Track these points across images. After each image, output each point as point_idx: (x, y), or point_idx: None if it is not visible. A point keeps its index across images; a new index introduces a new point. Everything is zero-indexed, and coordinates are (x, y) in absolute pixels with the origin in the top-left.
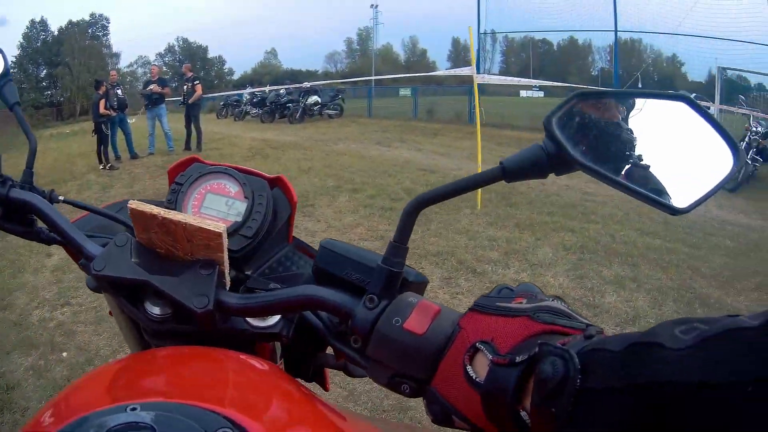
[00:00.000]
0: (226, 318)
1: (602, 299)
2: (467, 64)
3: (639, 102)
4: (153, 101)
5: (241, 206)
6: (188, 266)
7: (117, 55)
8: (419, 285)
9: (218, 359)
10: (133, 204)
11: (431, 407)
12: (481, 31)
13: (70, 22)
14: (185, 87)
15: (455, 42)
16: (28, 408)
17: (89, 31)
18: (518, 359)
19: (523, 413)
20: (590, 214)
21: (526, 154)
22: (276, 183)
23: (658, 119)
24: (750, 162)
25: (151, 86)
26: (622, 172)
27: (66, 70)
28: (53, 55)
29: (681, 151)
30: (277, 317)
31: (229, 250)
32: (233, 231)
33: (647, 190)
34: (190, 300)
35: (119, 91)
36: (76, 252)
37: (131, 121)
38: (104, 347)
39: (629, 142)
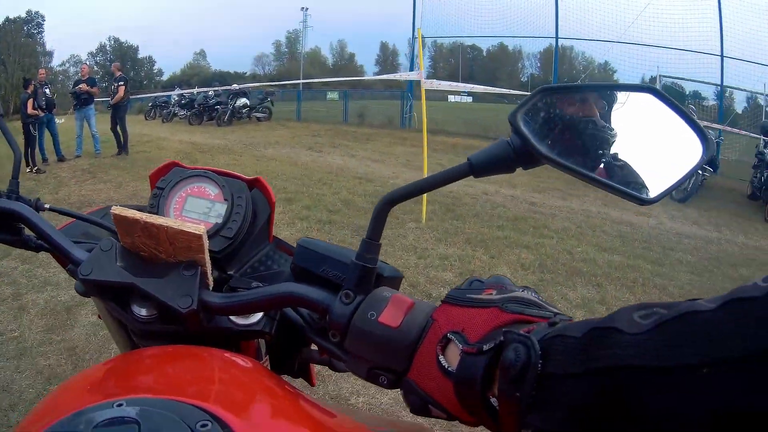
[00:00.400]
0: (210, 317)
1: None
2: (395, 68)
3: (606, 95)
4: (82, 101)
5: (221, 208)
6: (172, 268)
7: (50, 54)
8: (394, 280)
9: (202, 357)
10: (117, 209)
11: (409, 397)
12: (415, 35)
13: (7, 19)
14: (113, 87)
15: (383, 46)
16: None
17: (24, 28)
18: (485, 347)
19: (492, 399)
20: (542, 227)
21: (493, 150)
22: (254, 184)
23: (625, 111)
24: (700, 172)
25: (80, 85)
26: (590, 165)
27: (2, 67)
28: None
29: (649, 142)
30: (259, 315)
31: (211, 251)
32: (214, 232)
33: (615, 181)
34: (174, 300)
35: (47, 91)
36: (63, 258)
37: (60, 121)
38: (27, 388)
39: (596, 135)
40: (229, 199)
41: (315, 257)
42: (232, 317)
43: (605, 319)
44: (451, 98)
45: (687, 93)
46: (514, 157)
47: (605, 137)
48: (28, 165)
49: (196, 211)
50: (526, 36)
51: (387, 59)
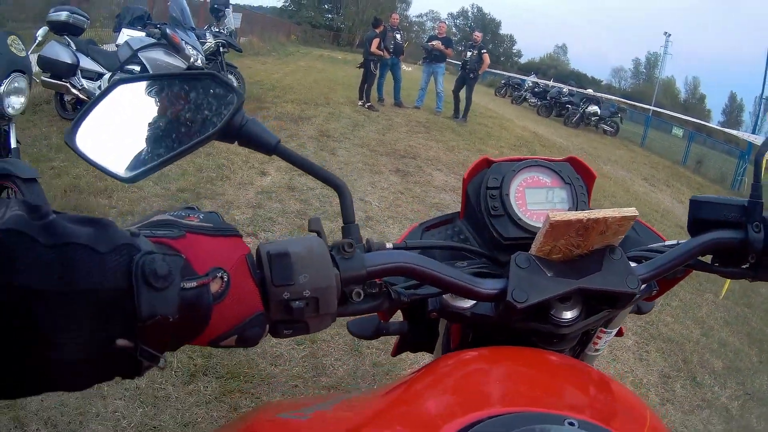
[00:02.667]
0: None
1: None
2: (739, 123)
3: None
4: (432, 57)
5: (562, 192)
6: (596, 259)
7: (407, 2)
8: None
9: (588, 372)
10: (557, 216)
11: None
12: (765, 95)
13: None
14: (469, 54)
15: (732, 97)
16: None
17: None
18: None
19: None
20: None
21: None
22: (572, 164)
23: None
24: None
25: (434, 42)
26: None
27: (353, 0)
28: None
29: None
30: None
31: None
32: None
33: None
34: (623, 286)
35: (398, 36)
36: (463, 295)
37: (408, 69)
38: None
39: None
40: (570, 183)
41: (713, 207)
42: None
43: None
44: None
45: None
46: None
47: None
48: (360, 99)
49: (538, 202)
50: None
51: (733, 111)
